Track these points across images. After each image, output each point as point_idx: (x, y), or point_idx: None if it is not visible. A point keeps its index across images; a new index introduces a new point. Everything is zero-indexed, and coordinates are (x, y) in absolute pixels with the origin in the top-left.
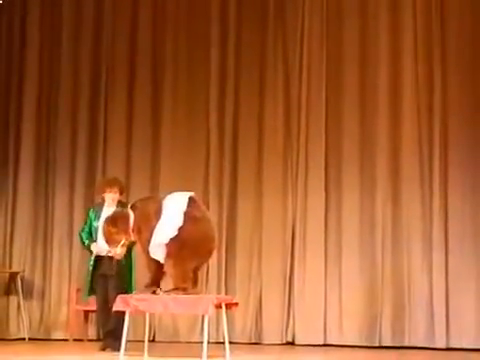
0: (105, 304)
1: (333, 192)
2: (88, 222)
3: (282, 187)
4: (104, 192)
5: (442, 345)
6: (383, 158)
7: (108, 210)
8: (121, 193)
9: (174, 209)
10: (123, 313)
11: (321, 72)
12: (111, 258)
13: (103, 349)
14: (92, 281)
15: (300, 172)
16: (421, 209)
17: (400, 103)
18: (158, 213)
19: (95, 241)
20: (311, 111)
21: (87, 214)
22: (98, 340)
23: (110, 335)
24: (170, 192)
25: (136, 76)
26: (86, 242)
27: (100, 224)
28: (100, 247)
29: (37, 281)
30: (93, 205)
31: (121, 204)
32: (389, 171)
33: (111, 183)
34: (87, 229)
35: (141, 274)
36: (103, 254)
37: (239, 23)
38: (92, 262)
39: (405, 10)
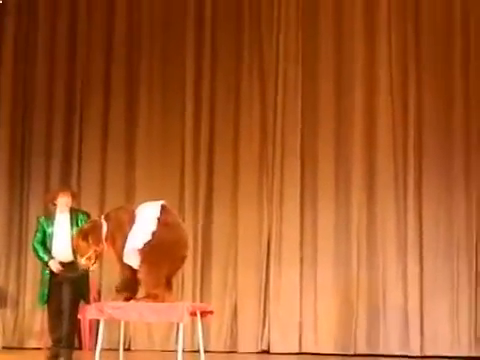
0: (59, 310)
1: (308, 202)
2: (41, 230)
3: (257, 197)
4: (56, 197)
5: (417, 353)
6: (358, 168)
7: (61, 216)
8: (73, 198)
9: (147, 216)
10: (76, 320)
11: (297, 80)
12: (70, 263)
13: (54, 357)
14: (49, 288)
15: (276, 182)
16: (396, 218)
17: (375, 112)
18: (131, 221)
19: (53, 257)
20: (287, 119)
21: (38, 222)
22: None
23: (61, 342)
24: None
25: (111, 87)
26: (45, 258)
27: (56, 229)
28: (58, 255)
29: (11, 289)
30: (42, 214)
31: (73, 210)
32: (364, 181)
33: (64, 188)
34: (40, 238)
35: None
36: (60, 260)
37: (214, 32)
38: (48, 270)
39: (380, 9)
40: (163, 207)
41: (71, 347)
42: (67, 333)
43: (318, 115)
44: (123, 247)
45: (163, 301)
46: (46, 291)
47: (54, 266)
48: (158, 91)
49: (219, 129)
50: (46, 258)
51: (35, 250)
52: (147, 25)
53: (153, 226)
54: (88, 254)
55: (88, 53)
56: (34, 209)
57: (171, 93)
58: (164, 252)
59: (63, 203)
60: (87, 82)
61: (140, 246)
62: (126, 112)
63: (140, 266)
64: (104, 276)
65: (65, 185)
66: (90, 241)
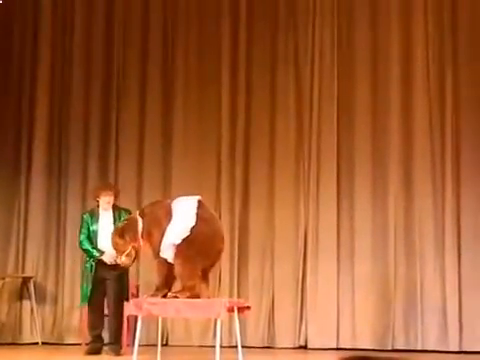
0: (101, 307)
1: (345, 197)
2: (86, 227)
3: (294, 191)
4: (99, 196)
5: (455, 348)
6: (395, 165)
7: (104, 213)
8: (116, 197)
9: (185, 210)
10: (122, 316)
11: (333, 74)
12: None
13: (92, 353)
14: (92, 285)
15: (312, 176)
16: (433, 213)
17: (412, 106)
18: (168, 216)
19: (103, 251)
20: (322, 118)
21: (82, 219)
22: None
23: (101, 339)
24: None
25: (147, 83)
26: (97, 254)
27: (100, 227)
28: (108, 254)
29: (50, 286)
30: (86, 210)
31: (116, 208)
32: (401, 175)
33: (107, 187)
34: (86, 233)
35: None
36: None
37: (250, 26)
38: (93, 267)
39: (416, 9)
40: (199, 202)
41: (119, 343)
42: (115, 329)
43: (354, 109)
44: (160, 242)
45: (199, 292)
46: (89, 288)
47: (108, 258)
48: (194, 87)
49: (255, 124)
50: (98, 254)
51: (84, 246)
52: (183, 11)
53: (192, 221)
54: (127, 251)
55: (124, 51)
56: (72, 206)
57: (207, 88)
58: (200, 246)
59: (105, 202)
60: (123, 80)
61: (179, 241)
62: (162, 109)
63: (175, 260)
64: (141, 272)
65: (108, 184)
66: (127, 238)
